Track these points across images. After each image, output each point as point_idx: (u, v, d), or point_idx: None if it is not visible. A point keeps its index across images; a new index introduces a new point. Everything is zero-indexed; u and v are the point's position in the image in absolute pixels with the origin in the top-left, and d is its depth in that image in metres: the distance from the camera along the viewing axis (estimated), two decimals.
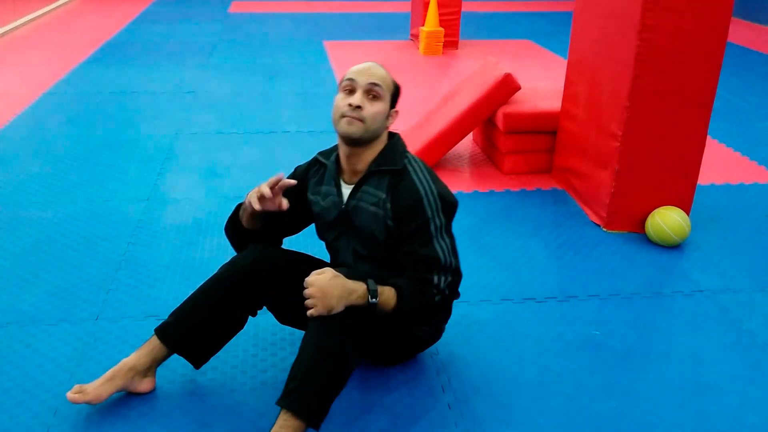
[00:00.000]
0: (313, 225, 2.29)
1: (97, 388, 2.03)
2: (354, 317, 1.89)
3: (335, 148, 2.13)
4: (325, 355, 1.86)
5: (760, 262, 3.06)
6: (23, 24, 8.31)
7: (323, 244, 2.29)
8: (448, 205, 2.05)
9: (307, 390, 1.84)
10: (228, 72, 6.30)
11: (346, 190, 2.09)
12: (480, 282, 2.85)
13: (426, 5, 7.13)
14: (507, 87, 3.81)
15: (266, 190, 1.95)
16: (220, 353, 2.29)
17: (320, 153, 2.21)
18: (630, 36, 2.99)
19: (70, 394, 2.00)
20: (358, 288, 1.88)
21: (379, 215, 2.01)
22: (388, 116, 2.04)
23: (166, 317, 2.14)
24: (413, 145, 4.00)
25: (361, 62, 2.05)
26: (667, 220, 3.13)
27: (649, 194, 3.23)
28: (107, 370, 2.09)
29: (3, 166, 4.02)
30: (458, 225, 3.21)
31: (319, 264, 2.16)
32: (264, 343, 2.42)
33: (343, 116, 1.97)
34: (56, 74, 6.09)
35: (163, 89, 5.70)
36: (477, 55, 7.05)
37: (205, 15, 9.34)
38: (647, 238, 3.23)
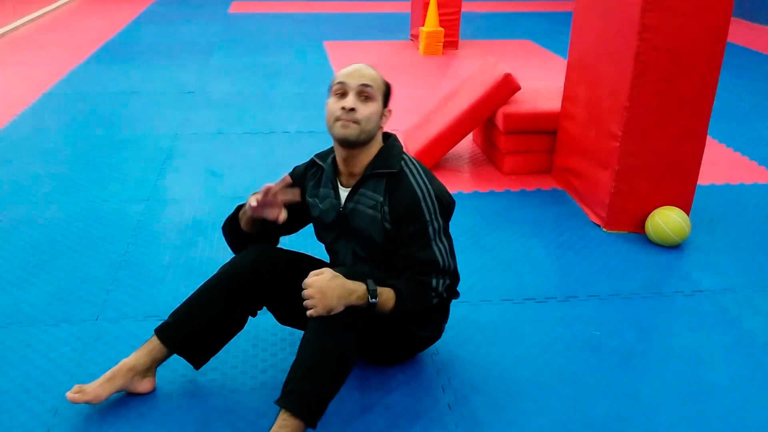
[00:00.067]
0: (312, 225, 2.29)
1: (97, 388, 2.03)
2: (353, 317, 1.89)
3: (332, 150, 2.13)
4: (325, 355, 1.86)
5: (760, 262, 3.06)
6: (23, 24, 8.31)
7: (323, 245, 2.29)
8: (446, 206, 2.05)
9: (307, 390, 1.84)
10: (228, 72, 6.30)
11: (344, 192, 2.09)
12: (480, 282, 2.85)
13: (426, 5, 7.13)
14: (507, 87, 3.82)
15: (252, 201, 1.97)
16: (220, 354, 2.29)
17: (317, 155, 2.21)
18: (630, 36, 2.99)
19: (69, 394, 2.00)
20: (358, 288, 1.89)
21: (377, 218, 2.01)
22: (382, 116, 2.03)
23: (166, 317, 2.14)
24: (413, 145, 4.00)
25: (360, 63, 2.05)
26: (667, 220, 3.13)
27: (649, 194, 3.23)
28: (107, 371, 2.09)
29: (3, 166, 4.02)
30: (458, 225, 3.23)
31: (318, 264, 2.16)
32: (264, 344, 2.42)
33: (337, 120, 1.96)
34: (56, 75, 6.09)
35: (163, 89, 5.70)
36: (477, 55, 7.05)
37: (205, 15, 9.35)
38: (647, 238, 3.23)
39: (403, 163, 2.05)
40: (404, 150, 2.14)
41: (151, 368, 2.13)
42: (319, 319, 1.85)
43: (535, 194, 3.74)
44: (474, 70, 4.35)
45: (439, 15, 7.14)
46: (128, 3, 10.19)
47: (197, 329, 2.10)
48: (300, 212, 2.21)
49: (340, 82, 1.98)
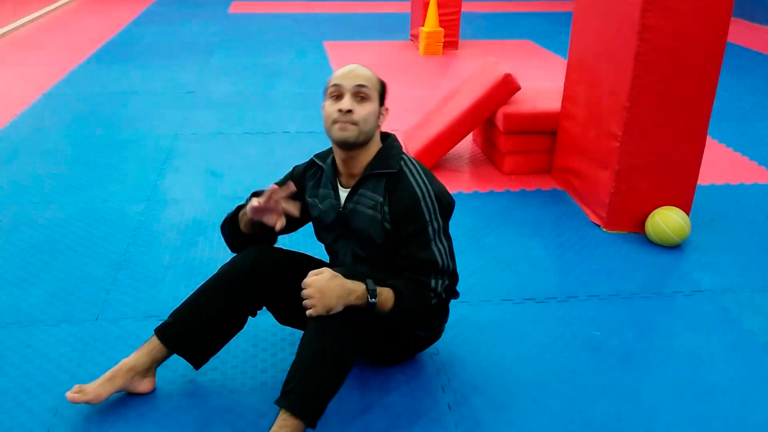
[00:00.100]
0: (312, 226, 2.29)
1: (97, 388, 2.04)
2: (353, 317, 1.89)
3: (331, 150, 2.13)
4: (324, 354, 1.86)
5: (760, 262, 3.06)
6: (23, 24, 8.31)
7: (323, 245, 2.29)
8: (446, 206, 2.05)
9: (306, 390, 1.84)
10: (228, 72, 6.30)
11: (344, 193, 2.09)
12: (480, 282, 2.85)
13: (426, 5, 7.13)
14: (507, 87, 3.81)
15: (254, 202, 1.97)
16: (220, 354, 2.29)
17: (316, 155, 2.21)
18: (630, 36, 2.99)
19: (69, 394, 2.00)
20: (357, 288, 1.88)
21: (377, 218, 2.01)
22: (379, 115, 2.03)
23: (166, 317, 2.14)
24: (413, 145, 4.00)
25: (355, 63, 2.05)
26: (667, 220, 3.13)
27: (649, 194, 3.23)
28: (107, 371, 2.09)
29: (3, 166, 4.02)
30: (458, 225, 3.23)
31: (318, 264, 2.16)
32: (264, 344, 2.42)
33: (335, 123, 1.96)
34: (56, 75, 6.09)
35: (163, 89, 5.70)
36: (477, 55, 7.05)
37: (205, 15, 9.35)
38: (647, 239, 3.23)
39: (402, 163, 2.05)
40: (403, 150, 2.14)
41: (151, 368, 2.13)
42: (318, 318, 1.85)
43: (535, 194, 3.74)
44: (474, 70, 4.35)
45: (439, 15, 7.14)
46: (128, 3, 10.19)
47: (197, 329, 2.10)
48: (300, 214, 2.20)
49: (335, 85, 1.97)
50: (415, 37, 7.69)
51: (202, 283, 2.14)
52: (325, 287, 1.84)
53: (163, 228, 3.30)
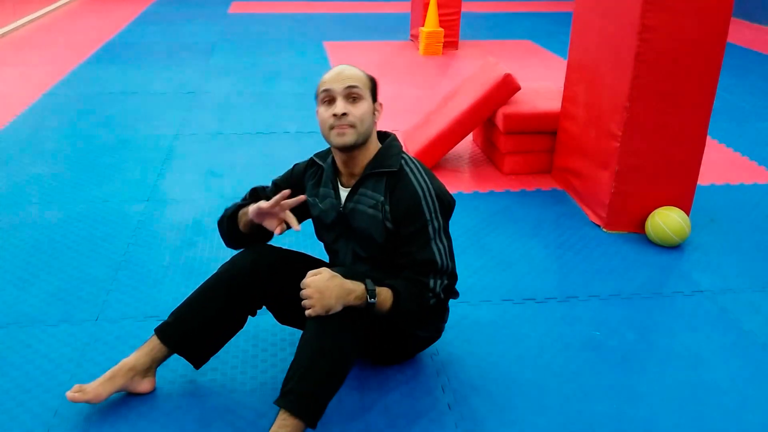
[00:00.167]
0: (312, 225, 2.29)
1: (97, 387, 2.04)
2: (352, 317, 1.89)
3: (331, 150, 2.13)
4: (323, 354, 1.86)
5: (760, 263, 3.06)
6: (23, 25, 8.31)
7: (323, 244, 2.29)
8: (446, 205, 2.05)
9: (306, 390, 1.84)
10: (228, 72, 6.30)
11: (344, 192, 2.09)
12: (480, 282, 2.85)
13: (426, 6, 7.13)
14: (507, 87, 3.82)
15: (262, 204, 1.96)
16: (220, 353, 2.30)
17: (316, 155, 2.21)
18: (630, 36, 2.99)
19: (69, 393, 2.00)
20: (356, 288, 1.88)
21: (378, 217, 2.01)
22: (374, 112, 2.03)
23: (166, 317, 2.14)
24: (413, 145, 4.00)
25: (354, 65, 2.04)
26: (667, 220, 3.13)
27: (649, 194, 3.23)
28: (107, 371, 2.09)
29: (3, 166, 4.02)
30: (458, 225, 3.23)
31: (317, 264, 2.16)
32: (264, 344, 2.42)
33: (332, 128, 1.96)
34: (56, 75, 6.10)
35: (163, 90, 5.70)
36: (477, 55, 7.05)
37: (205, 15, 9.35)
38: (647, 239, 3.23)
39: (403, 162, 2.05)
40: (403, 149, 2.14)
41: (151, 368, 2.13)
42: (317, 318, 1.85)
43: (535, 194, 3.74)
44: (474, 71, 4.35)
45: (439, 15, 7.14)
46: (128, 3, 10.19)
47: (197, 329, 2.10)
48: (299, 211, 2.20)
49: (325, 90, 1.97)
50: (415, 38, 7.69)
51: (202, 282, 2.14)
52: (324, 287, 1.84)
53: (163, 228, 3.30)
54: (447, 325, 2.35)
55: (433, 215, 2.00)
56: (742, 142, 4.59)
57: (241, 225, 2.14)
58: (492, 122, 4.05)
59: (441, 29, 7.10)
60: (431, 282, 2.00)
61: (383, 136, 2.13)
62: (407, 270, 2.01)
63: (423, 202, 1.98)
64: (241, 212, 2.14)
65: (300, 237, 3.12)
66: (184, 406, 2.13)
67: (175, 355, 2.15)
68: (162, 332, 2.11)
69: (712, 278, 2.92)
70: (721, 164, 4.18)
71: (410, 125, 4.38)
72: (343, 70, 1.99)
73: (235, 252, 2.21)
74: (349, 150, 1.99)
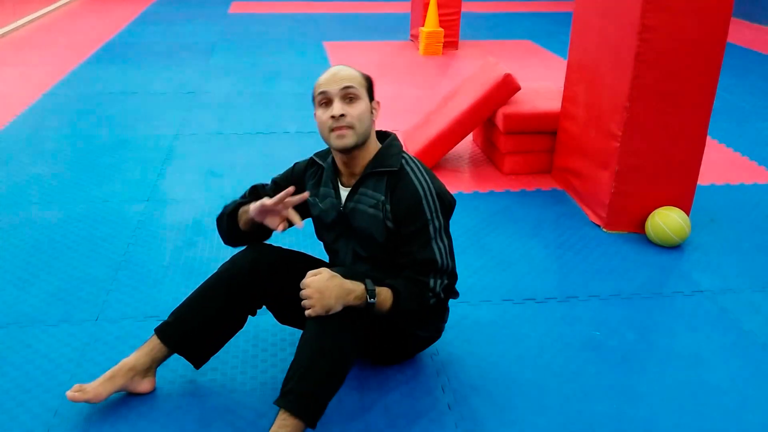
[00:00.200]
0: (312, 225, 2.29)
1: (97, 387, 2.04)
2: (352, 317, 1.89)
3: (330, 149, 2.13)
4: (323, 354, 1.86)
5: (760, 263, 3.06)
6: (23, 25, 8.31)
7: (323, 244, 2.29)
8: (447, 205, 2.05)
9: (305, 390, 1.84)
10: (228, 72, 6.30)
11: (344, 192, 2.09)
12: (480, 282, 2.85)
13: (426, 6, 7.13)
14: (507, 87, 3.82)
15: (267, 202, 1.95)
16: (220, 353, 2.30)
17: (316, 154, 2.21)
18: (630, 36, 2.99)
19: (69, 393, 2.00)
20: (356, 288, 1.88)
21: (379, 217, 2.01)
22: (371, 110, 2.03)
23: (166, 317, 2.14)
24: (413, 145, 4.00)
25: (354, 65, 2.04)
26: (667, 220, 3.13)
27: (649, 194, 3.23)
28: (107, 371, 2.09)
29: (3, 166, 4.02)
30: (458, 225, 3.23)
31: (317, 264, 2.16)
32: (264, 344, 2.42)
33: (332, 131, 1.96)
34: (56, 75, 6.10)
35: (163, 90, 5.70)
36: (477, 55, 7.05)
37: (205, 15, 9.35)
38: (647, 239, 3.23)
39: (403, 161, 2.05)
40: (403, 149, 2.14)
41: (151, 368, 2.13)
42: (317, 318, 1.85)
43: (535, 194, 3.74)
44: (474, 71, 4.35)
45: (439, 15, 7.14)
46: (128, 3, 10.19)
47: (197, 328, 2.10)
48: (299, 210, 2.20)
49: (321, 92, 1.97)
50: (415, 38, 7.69)
51: (202, 282, 2.14)
52: (324, 287, 1.84)
53: (163, 228, 3.30)
54: (447, 325, 2.35)
55: (434, 215, 2.00)
56: (742, 142, 4.59)
57: (241, 223, 2.14)
58: (492, 122, 4.05)
59: (441, 29, 7.10)
60: (431, 281, 2.00)
61: (383, 135, 2.13)
62: (407, 269, 2.01)
63: (424, 202, 1.98)
64: (241, 210, 2.14)
65: (300, 237, 3.12)
66: (184, 406, 2.13)
67: (175, 355, 2.15)
68: (162, 332, 2.11)
69: (712, 278, 2.92)
70: (721, 164, 4.18)
71: (410, 125, 4.38)
72: (338, 71, 1.99)
73: (234, 251, 2.21)
74: (349, 152, 1.99)
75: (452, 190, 3.47)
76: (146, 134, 4.60)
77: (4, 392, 2.17)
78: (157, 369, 2.17)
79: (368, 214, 2.03)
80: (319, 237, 2.25)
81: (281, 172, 2.27)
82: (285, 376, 1.88)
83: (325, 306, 1.84)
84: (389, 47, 7.57)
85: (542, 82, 4.46)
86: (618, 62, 3.11)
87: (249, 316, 2.19)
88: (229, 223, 2.18)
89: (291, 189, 1.96)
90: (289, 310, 2.15)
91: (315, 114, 2.01)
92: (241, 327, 2.17)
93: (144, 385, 2.13)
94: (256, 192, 2.21)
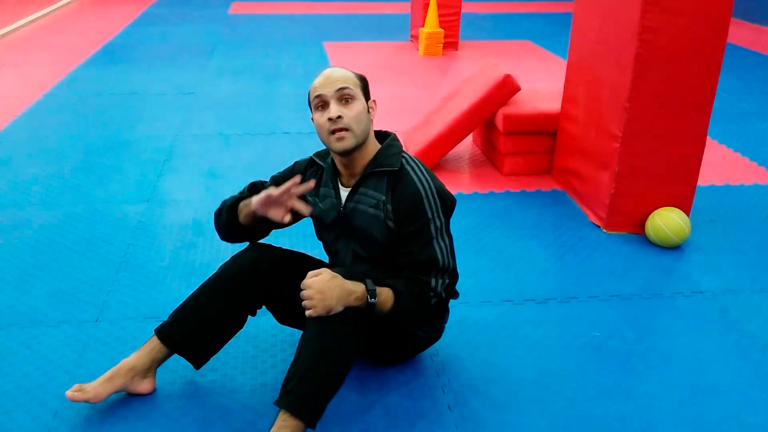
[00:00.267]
0: (312, 225, 2.29)
1: (97, 387, 2.04)
2: (352, 318, 1.89)
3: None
4: (323, 355, 1.86)
5: (760, 263, 3.06)
6: (23, 25, 8.31)
7: (322, 244, 2.28)
8: (448, 204, 2.05)
9: (306, 390, 1.84)
10: (228, 73, 6.31)
11: (344, 192, 2.09)
12: (480, 283, 2.85)
13: (426, 6, 7.13)
14: (507, 88, 3.82)
15: (273, 192, 1.94)
16: (220, 354, 2.29)
17: (316, 154, 2.20)
18: (630, 37, 2.99)
19: (69, 393, 2.00)
20: (357, 289, 1.88)
21: (380, 217, 2.01)
22: (368, 110, 2.03)
23: (166, 318, 2.14)
24: (413, 146, 4.00)
25: (353, 65, 2.04)
26: (667, 221, 3.13)
27: (649, 195, 3.23)
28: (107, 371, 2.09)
29: (3, 167, 4.02)
30: (458, 226, 3.22)
31: (317, 264, 2.16)
32: (264, 344, 2.42)
33: (331, 133, 1.95)
34: (56, 76, 6.10)
35: (163, 90, 5.70)
36: (477, 56, 7.05)
37: (205, 16, 9.35)
38: (647, 239, 3.23)
39: (403, 161, 2.05)
40: (403, 149, 2.14)
41: (151, 368, 2.13)
42: (317, 319, 1.85)
43: (535, 195, 3.74)
44: (474, 71, 4.35)
45: (439, 16, 7.14)
46: (128, 4, 10.20)
47: (197, 329, 2.10)
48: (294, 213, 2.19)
49: (317, 96, 1.97)
50: (415, 38, 7.70)
51: (202, 282, 2.14)
52: (325, 288, 1.84)
53: (163, 229, 3.30)
54: (447, 326, 2.34)
55: (435, 214, 2.00)
56: (742, 143, 4.59)
57: (241, 217, 2.11)
58: (492, 123, 4.05)
59: (441, 30, 7.11)
60: (433, 281, 2.00)
61: (383, 135, 2.13)
62: (408, 269, 2.00)
63: (425, 201, 1.98)
64: (242, 204, 2.11)
65: (300, 237, 3.12)
66: (184, 407, 2.13)
67: (175, 356, 2.15)
68: (162, 332, 2.11)
69: (712, 279, 2.92)
70: (721, 164, 4.18)
71: (410, 126, 4.38)
72: (331, 73, 1.99)
73: (234, 251, 2.21)
74: (349, 154, 2.00)
75: (452, 191, 3.46)
76: (146, 135, 4.60)
77: (4, 393, 2.17)
78: (157, 369, 2.17)
79: (369, 214, 2.03)
80: (319, 237, 2.25)
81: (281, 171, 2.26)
82: (285, 377, 1.88)
83: (326, 307, 1.83)
84: (389, 48, 7.57)
85: (542, 83, 4.47)
86: (618, 62, 3.11)
87: (249, 317, 2.19)
88: (228, 217, 2.15)
89: (297, 178, 1.95)
90: (289, 310, 2.15)
91: (312, 118, 2.01)
92: (241, 327, 2.17)
93: (144, 386, 2.13)
94: (255, 189, 2.20)
